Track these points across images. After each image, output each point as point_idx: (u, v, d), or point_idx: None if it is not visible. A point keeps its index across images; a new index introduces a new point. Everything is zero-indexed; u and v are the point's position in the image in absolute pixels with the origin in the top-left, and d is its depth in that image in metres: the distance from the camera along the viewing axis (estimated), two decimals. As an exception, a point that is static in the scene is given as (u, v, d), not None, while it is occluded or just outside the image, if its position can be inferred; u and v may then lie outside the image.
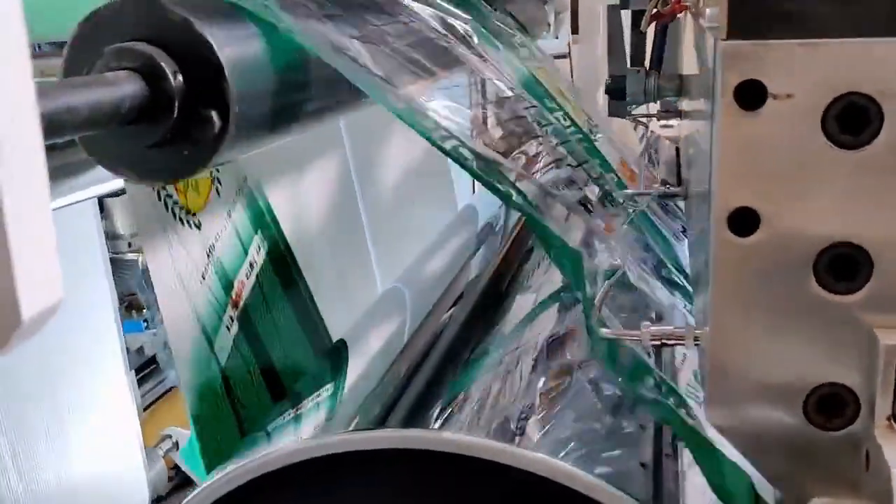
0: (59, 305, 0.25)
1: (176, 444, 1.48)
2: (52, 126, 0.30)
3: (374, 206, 1.04)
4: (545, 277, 0.90)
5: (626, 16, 2.15)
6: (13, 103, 0.23)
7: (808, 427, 0.35)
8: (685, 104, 0.72)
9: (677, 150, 1.63)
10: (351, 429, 0.52)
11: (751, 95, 0.32)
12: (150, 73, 0.37)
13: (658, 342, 0.42)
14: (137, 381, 1.54)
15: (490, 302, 0.95)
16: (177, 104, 0.37)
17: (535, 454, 0.38)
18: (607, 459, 0.54)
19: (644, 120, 1.14)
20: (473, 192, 1.79)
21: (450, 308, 1.04)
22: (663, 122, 1.02)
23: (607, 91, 0.98)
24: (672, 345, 0.43)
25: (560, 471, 0.36)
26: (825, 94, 0.32)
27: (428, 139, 0.43)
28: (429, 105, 0.43)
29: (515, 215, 1.38)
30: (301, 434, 0.57)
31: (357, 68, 0.40)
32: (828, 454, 0.35)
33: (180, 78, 0.37)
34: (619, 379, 0.43)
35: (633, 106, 1.15)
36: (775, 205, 0.33)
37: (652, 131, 1.24)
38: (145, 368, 1.80)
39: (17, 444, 0.99)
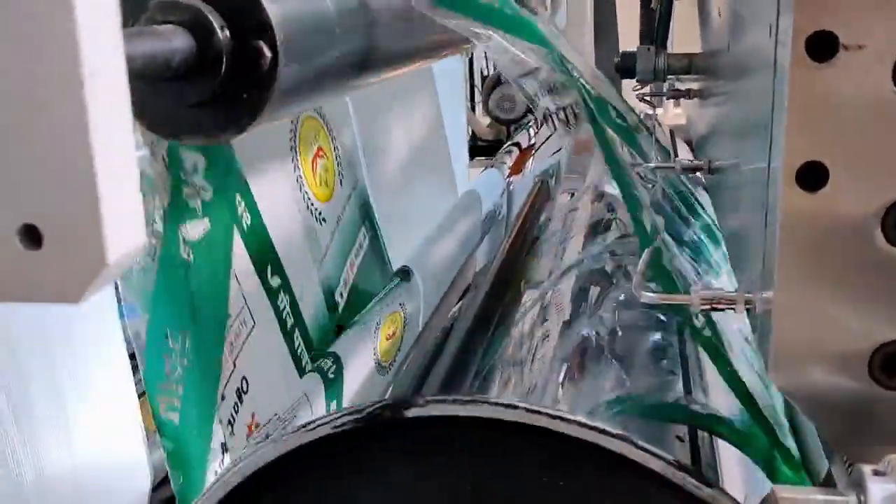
0: (142, 249, 0.24)
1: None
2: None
3: (378, 186, 1.03)
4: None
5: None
6: (103, 40, 0.22)
7: (872, 386, 0.35)
8: (710, 79, 0.72)
9: (671, 132, 1.63)
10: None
11: (822, 47, 0.32)
12: (197, 28, 0.36)
13: (708, 306, 0.42)
14: (133, 367, 1.52)
15: (502, 291, 0.94)
16: (224, 60, 0.36)
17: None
18: (643, 433, 0.53)
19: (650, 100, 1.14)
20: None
21: (460, 299, 1.03)
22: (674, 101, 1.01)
23: (617, 69, 0.97)
24: (722, 309, 0.42)
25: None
26: (897, 45, 0.31)
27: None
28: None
29: (518, 202, 1.37)
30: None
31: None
32: (892, 414, 0.35)
33: (227, 33, 0.36)
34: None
35: (637, 86, 1.14)
36: (845, 158, 0.33)
37: (645, 112, 1.23)
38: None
39: (24, 430, 0.98)
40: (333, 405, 0.71)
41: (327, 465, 0.38)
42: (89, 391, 1.12)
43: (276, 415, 0.67)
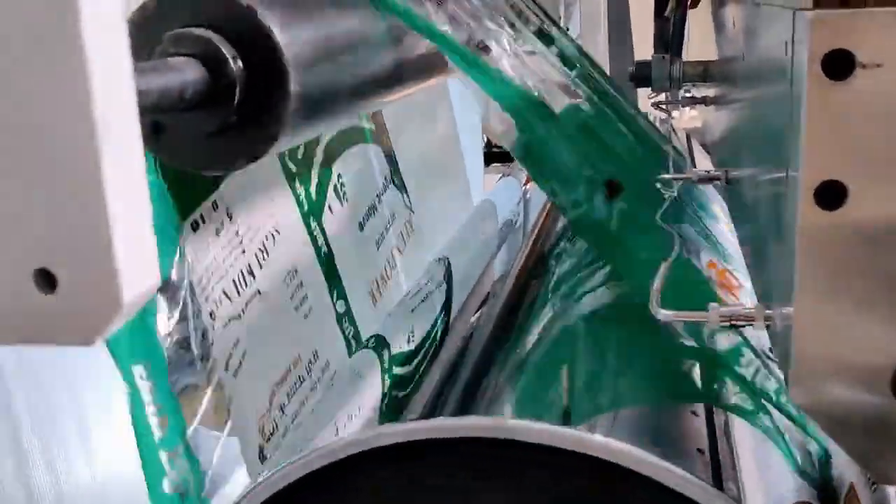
0: (156, 288, 0.24)
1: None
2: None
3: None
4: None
5: (634, 5, 2.14)
6: (114, 82, 0.22)
7: (894, 403, 0.34)
8: (725, 87, 0.71)
9: (688, 136, 1.62)
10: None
11: (839, 65, 0.32)
12: (210, 59, 0.36)
13: (727, 323, 0.41)
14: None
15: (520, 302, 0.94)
16: (238, 90, 0.36)
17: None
18: (664, 446, 0.53)
19: (664, 107, 1.13)
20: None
21: (479, 308, 1.03)
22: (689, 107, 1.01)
23: (631, 78, 0.97)
24: (741, 325, 0.42)
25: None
26: (916, 63, 0.31)
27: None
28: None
29: (535, 210, 1.37)
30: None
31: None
32: (916, 432, 0.34)
33: (240, 63, 0.36)
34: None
35: (652, 94, 1.14)
36: (863, 177, 0.33)
37: (660, 118, 1.23)
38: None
39: (46, 443, 0.98)
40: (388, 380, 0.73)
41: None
42: (110, 403, 1.13)
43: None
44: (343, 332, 0.76)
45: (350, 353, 0.75)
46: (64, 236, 0.22)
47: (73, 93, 0.21)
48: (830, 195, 0.33)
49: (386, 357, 0.73)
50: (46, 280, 0.23)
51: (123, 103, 0.23)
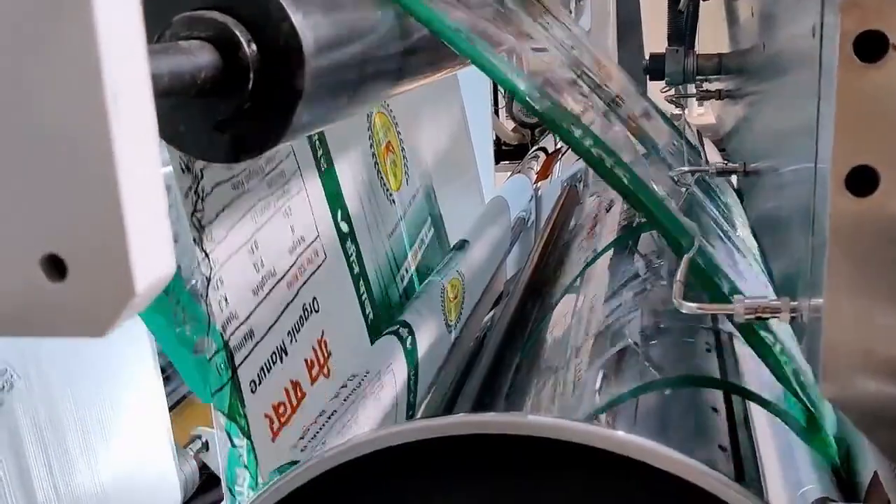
0: (171, 275, 0.23)
1: (206, 445, 1.46)
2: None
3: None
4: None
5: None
6: (126, 61, 0.21)
7: (928, 398, 0.33)
8: (742, 79, 0.70)
9: (699, 132, 1.60)
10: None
11: (870, 47, 0.31)
12: (223, 43, 0.35)
13: (752, 316, 0.40)
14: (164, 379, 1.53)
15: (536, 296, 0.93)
16: (252, 75, 0.35)
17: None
18: (686, 444, 0.52)
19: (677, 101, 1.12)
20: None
21: (492, 307, 1.02)
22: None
23: (646, 71, 0.96)
24: (766, 318, 0.41)
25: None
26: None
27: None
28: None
29: (546, 208, 1.36)
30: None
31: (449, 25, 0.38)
32: (950, 427, 0.33)
33: (254, 47, 0.35)
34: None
35: (665, 88, 1.13)
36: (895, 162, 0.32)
37: (672, 113, 1.22)
38: (169, 368, 1.78)
39: (51, 450, 0.98)
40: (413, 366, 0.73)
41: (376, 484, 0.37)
42: (119, 406, 1.13)
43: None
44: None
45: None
46: (74, 220, 0.21)
47: (83, 73, 0.21)
48: (861, 181, 0.32)
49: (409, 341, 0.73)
50: (55, 267, 0.22)
51: (136, 84, 0.22)
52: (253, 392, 0.56)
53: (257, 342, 0.58)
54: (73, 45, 0.21)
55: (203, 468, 1.58)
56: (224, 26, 0.35)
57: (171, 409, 1.68)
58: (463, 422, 0.40)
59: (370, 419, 0.62)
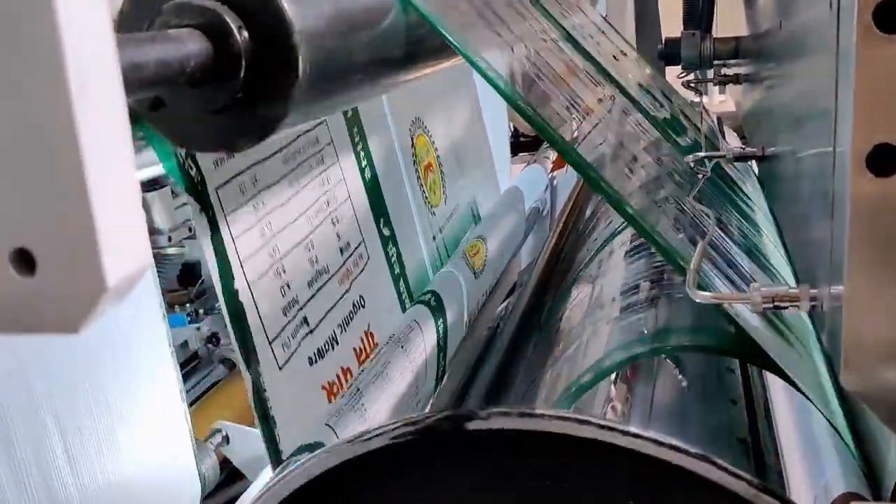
0: (146, 270, 0.22)
1: (226, 438, 1.46)
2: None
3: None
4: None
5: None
6: (92, 47, 0.20)
7: (955, 389, 0.32)
8: (760, 62, 0.68)
9: (719, 119, 1.58)
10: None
11: (892, 16, 0.29)
12: (214, 31, 0.34)
13: (770, 304, 0.39)
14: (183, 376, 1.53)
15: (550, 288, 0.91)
16: (244, 63, 0.34)
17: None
18: (705, 436, 0.51)
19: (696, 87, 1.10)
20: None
21: (507, 297, 1.01)
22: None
23: (661, 56, 0.94)
24: (785, 307, 0.39)
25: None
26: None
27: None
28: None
29: (562, 197, 1.34)
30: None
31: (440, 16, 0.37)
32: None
33: (246, 34, 0.34)
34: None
35: (682, 73, 1.11)
36: (919, 140, 0.30)
37: (692, 100, 1.20)
38: (188, 364, 1.79)
39: (71, 445, 0.98)
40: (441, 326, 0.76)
41: (382, 477, 0.36)
42: (138, 402, 1.12)
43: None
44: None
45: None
46: (42, 213, 0.20)
47: (46, 60, 0.20)
48: (883, 160, 0.30)
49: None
50: (25, 261, 0.21)
51: (104, 73, 0.21)
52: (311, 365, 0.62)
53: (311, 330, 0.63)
54: (36, 36, 0.19)
55: (224, 462, 1.58)
56: (214, 13, 0.34)
57: (191, 404, 1.68)
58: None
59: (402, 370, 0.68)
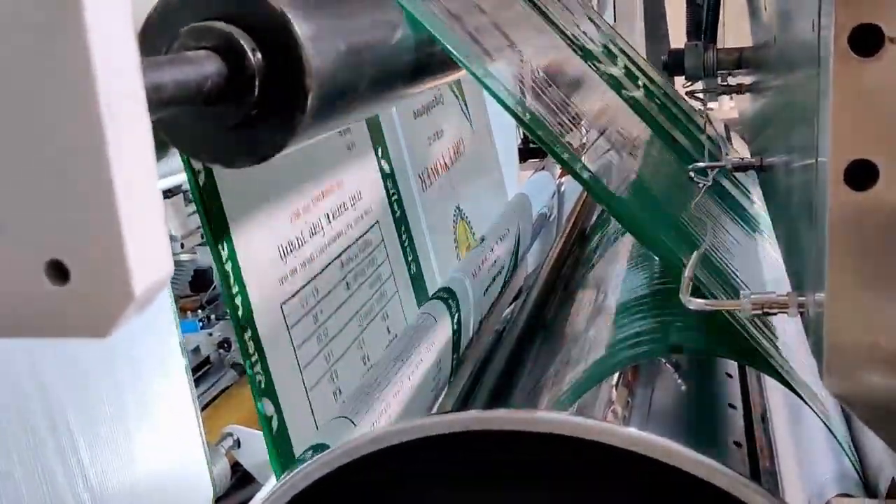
0: (168, 278, 0.24)
1: (237, 442, 1.48)
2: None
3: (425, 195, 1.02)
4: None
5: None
6: (119, 71, 0.22)
7: (933, 391, 0.33)
8: (759, 74, 0.70)
9: (726, 126, 1.59)
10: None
11: (866, 40, 0.31)
12: (228, 52, 0.36)
13: (760, 311, 0.40)
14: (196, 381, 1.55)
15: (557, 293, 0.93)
16: (257, 83, 0.36)
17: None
18: (701, 439, 0.52)
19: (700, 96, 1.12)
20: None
21: (511, 302, 1.03)
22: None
23: (665, 66, 0.96)
24: (774, 313, 0.41)
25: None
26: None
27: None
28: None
29: (569, 203, 1.36)
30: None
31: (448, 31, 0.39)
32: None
33: (259, 55, 0.36)
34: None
35: (687, 83, 1.12)
36: (894, 156, 0.32)
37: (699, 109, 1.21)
38: (200, 369, 1.81)
39: (85, 449, 1.00)
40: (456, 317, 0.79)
41: (384, 477, 0.38)
42: (150, 406, 1.14)
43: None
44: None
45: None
46: (75, 227, 0.22)
47: (77, 80, 0.21)
48: (860, 175, 0.32)
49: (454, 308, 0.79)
50: (59, 271, 0.23)
51: (130, 93, 0.23)
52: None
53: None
54: (67, 58, 0.21)
55: (235, 465, 1.60)
56: (229, 35, 0.36)
57: (202, 408, 1.70)
58: (476, 417, 0.41)
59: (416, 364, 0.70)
